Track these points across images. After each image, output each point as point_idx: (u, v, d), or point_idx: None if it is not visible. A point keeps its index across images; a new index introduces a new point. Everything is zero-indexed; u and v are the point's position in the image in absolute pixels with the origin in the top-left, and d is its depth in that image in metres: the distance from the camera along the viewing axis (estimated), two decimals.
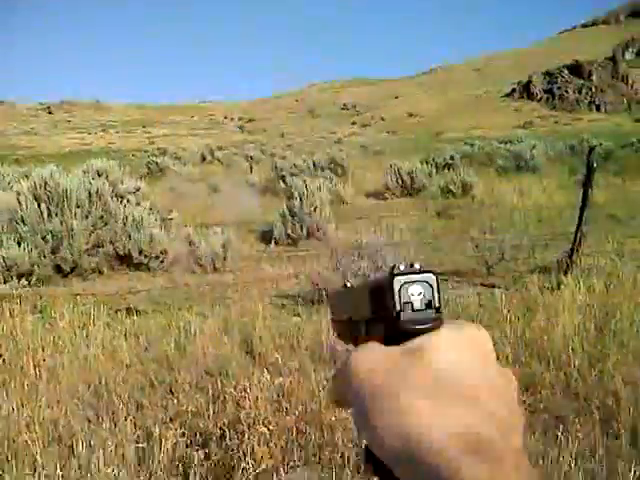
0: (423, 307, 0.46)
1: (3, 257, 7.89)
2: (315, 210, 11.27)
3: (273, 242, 10.84)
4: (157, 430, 3.45)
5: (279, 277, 7.99)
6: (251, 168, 26.14)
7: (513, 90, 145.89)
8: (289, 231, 10.97)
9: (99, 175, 13.42)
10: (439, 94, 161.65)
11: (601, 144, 20.76)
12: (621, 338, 4.88)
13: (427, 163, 20.37)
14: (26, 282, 7.57)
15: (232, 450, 3.32)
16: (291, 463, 3.29)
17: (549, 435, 3.52)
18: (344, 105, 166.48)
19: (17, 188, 9.44)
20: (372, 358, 0.46)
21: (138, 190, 14.84)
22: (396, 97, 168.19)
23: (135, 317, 6.08)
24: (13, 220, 8.81)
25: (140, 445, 3.41)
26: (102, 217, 9.42)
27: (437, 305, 0.47)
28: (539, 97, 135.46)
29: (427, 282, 0.47)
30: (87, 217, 9.16)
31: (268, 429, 3.38)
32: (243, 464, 3.16)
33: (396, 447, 0.42)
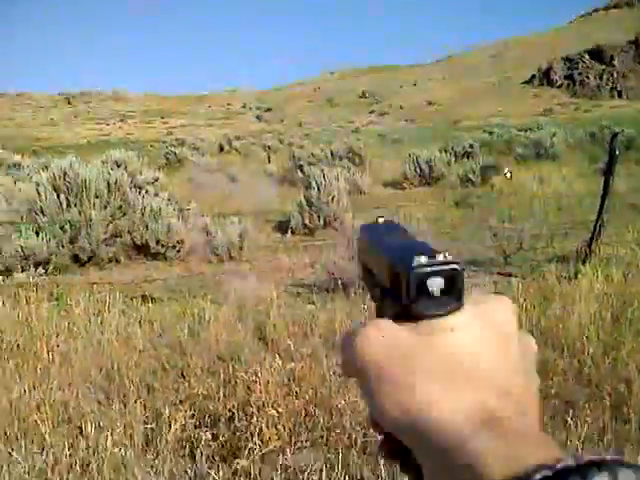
0: (442, 294, 0.44)
1: (21, 247, 7.97)
2: (332, 200, 11.26)
3: (290, 232, 10.85)
4: (166, 411, 3.49)
5: (295, 266, 8.00)
6: (269, 158, 26.16)
7: (533, 77, 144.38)
8: (306, 221, 10.97)
9: (118, 166, 13.51)
10: (456, 81, 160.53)
11: (623, 131, 20.49)
12: (637, 327, 4.83)
13: (446, 152, 20.23)
14: (43, 271, 7.64)
15: (240, 431, 3.35)
16: (298, 444, 3.31)
17: (557, 419, 3.52)
18: (362, 93, 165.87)
19: (36, 179, 9.52)
20: (381, 335, 0.45)
21: (156, 181, 14.93)
22: (414, 84, 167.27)
23: (150, 304, 6.12)
24: (32, 211, 8.89)
25: (149, 426, 3.45)
26: (120, 207, 9.48)
27: (459, 295, 0.45)
28: (559, 83, 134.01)
29: (449, 274, 0.45)
30: (105, 207, 9.23)
31: (277, 412, 3.41)
32: (250, 444, 3.18)
33: (406, 427, 0.41)
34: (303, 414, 3.52)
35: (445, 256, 0.45)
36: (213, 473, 2.98)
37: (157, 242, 8.95)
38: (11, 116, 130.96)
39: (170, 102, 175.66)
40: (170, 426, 3.35)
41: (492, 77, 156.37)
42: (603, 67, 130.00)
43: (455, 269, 0.45)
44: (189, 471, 3.09)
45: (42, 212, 8.81)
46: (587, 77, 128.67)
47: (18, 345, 4.78)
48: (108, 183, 9.51)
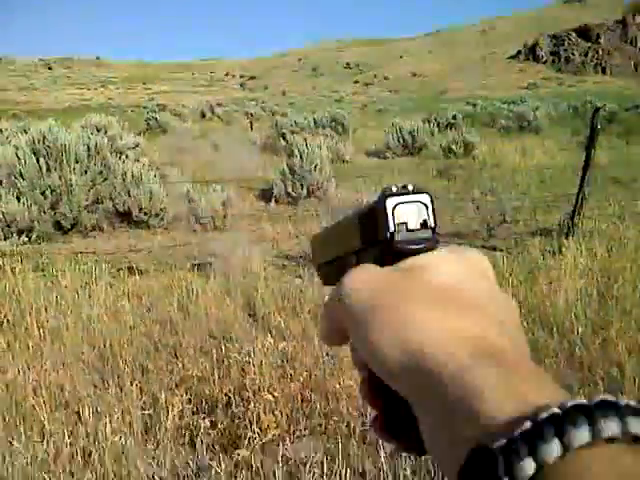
0: (418, 227, 0.45)
1: (3, 212, 7.86)
2: (315, 168, 11.19)
3: (273, 200, 10.78)
4: (163, 396, 3.47)
5: (279, 237, 7.96)
6: (251, 125, 25.97)
7: (519, 52, 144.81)
8: (289, 189, 10.90)
9: (98, 130, 13.33)
10: (444, 54, 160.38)
11: (605, 105, 20.64)
12: (624, 305, 4.87)
13: (429, 122, 20.22)
14: (26, 239, 7.55)
15: (238, 418, 3.33)
16: (297, 432, 3.30)
17: None
18: (347, 64, 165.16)
19: (15, 142, 9.37)
20: (366, 276, 0.44)
21: (137, 146, 14.76)
22: (400, 57, 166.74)
23: (137, 277, 6.06)
24: (12, 175, 8.74)
25: (146, 412, 3.43)
26: (101, 172, 9.36)
27: (432, 225, 0.45)
28: (544, 59, 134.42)
29: (421, 202, 0.45)
30: (86, 172, 9.09)
31: (273, 396, 3.40)
32: (249, 433, 3.17)
33: (400, 360, 0.39)
34: (299, 399, 3.51)
35: (414, 186, 0.46)
36: (215, 465, 2.96)
37: (140, 210, 8.85)
38: None
39: (153, 69, 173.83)
40: (168, 412, 3.33)
41: (479, 51, 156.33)
42: (589, 44, 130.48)
43: (426, 196, 0.46)
44: (190, 463, 3.07)
45: (22, 176, 8.67)
46: (572, 54, 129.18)
47: (8, 320, 4.74)
48: (88, 147, 9.37)
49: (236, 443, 3.18)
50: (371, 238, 0.46)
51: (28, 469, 2.91)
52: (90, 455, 3.03)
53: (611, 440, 0.29)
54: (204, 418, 3.34)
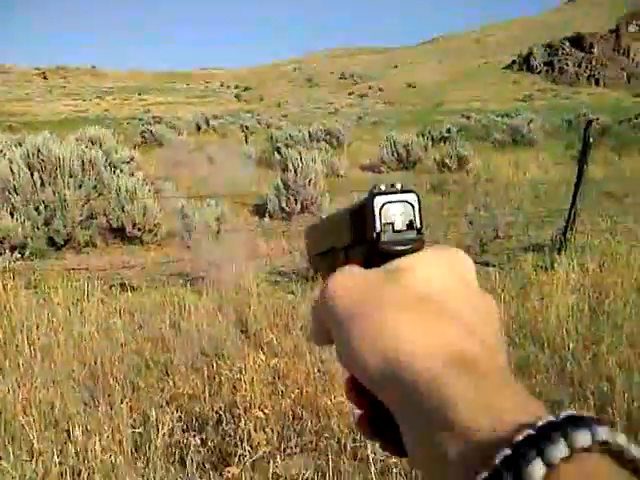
0: (404, 228, 0.46)
1: None
2: (310, 183, 11.20)
3: (268, 216, 10.79)
4: (153, 414, 3.46)
5: (273, 252, 7.96)
6: (246, 138, 25.99)
7: (513, 62, 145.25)
8: (283, 204, 10.91)
9: (93, 143, 13.33)
10: (439, 64, 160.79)
11: (598, 119, 20.71)
12: (615, 320, 4.90)
13: (423, 136, 20.25)
14: (19, 255, 7.53)
15: (229, 436, 3.33)
16: (288, 450, 3.30)
17: None
18: (342, 74, 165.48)
19: (10, 156, 9.37)
20: (349, 279, 0.45)
21: (132, 160, 14.76)
22: (395, 66, 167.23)
23: (129, 293, 6.07)
24: (5, 190, 8.74)
25: (137, 430, 3.42)
26: (95, 187, 9.37)
27: (419, 226, 0.46)
28: (539, 70, 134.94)
29: (408, 202, 0.46)
30: (80, 187, 9.10)
31: (264, 413, 3.40)
32: (240, 450, 3.17)
33: (379, 368, 0.40)
34: (291, 416, 3.52)
35: (402, 185, 0.47)
36: None
37: (133, 225, 8.85)
38: None
39: (148, 79, 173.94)
40: (158, 430, 3.32)
41: (474, 61, 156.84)
42: (582, 55, 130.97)
43: (413, 196, 0.46)
44: None
45: (15, 191, 8.68)
46: (566, 64, 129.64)
47: None
48: (82, 162, 9.37)
49: (226, 461, 3.18)
50: (359, 236, 0.47)
51: None
52: (79, 474, 3.03)
53: (586, 450, 0.30)
54: (194, 436, 3.34)
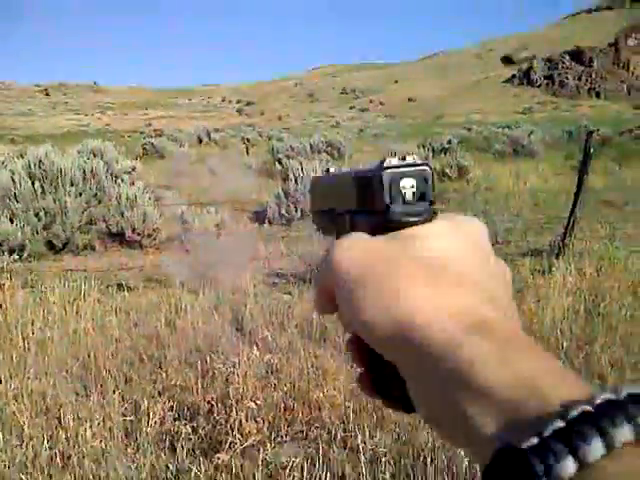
0: (415, 200, 0.45)
1: None
2: None
3: (267, 222, 10.81)
4: (145, 403, 3.47)
5: (272, 256, 7.97)
6: (247, 150, 26.05)
7: (513, 76, 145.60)
8: (283, 211, 10.93)
9: (94, 155, 13.37)
10: (439, 79, 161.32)
11: (598, 130, 20.72)
12: (609, 321, 4.91)
13: (424, 147, 20.30)
14: (17, 257, 7.55)
15: (220, 424, 3.33)
16: (278, 439, 3.30)
17: None
18: (343, 89, 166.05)
19: (12, 167, 9.42)
20: (357, 245, 0.44)
21: (133, 170, 14.79)
22: (395, 81, 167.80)
23: (126, 293, 6.08)
24: (6, 197, 8.78)
25: (128, 418, 3.43)
26: (96, 195, 9.40)
27: (430, 198, 0.45)
28: (539, 83, 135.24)
29: (420, 174, 0.45)
30: (81, 195, 9.14)
31: (256, 404, 3.40)
32: (230, 438, 3.17)
33: (388, 331, 0.40)
34: (282, 407, 3.52)
35: (414, 158, 0.45)
36: (194, 468, 2.96)
37: (133, 230, 8.87)
38: None
39: (150, 95, 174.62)
40: (149, 418, 3.33)
41: (475, 76, 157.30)
42: (582, 68, 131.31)
43: (425, 169, 0.45)
44: (170, 466, 3.06)
45: (16, 199, 8.71)
46: (566, 78, 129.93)
47: None
48: (84, 171, 9.42)
49: (217, 448, 3.18)
50: (367, 205, 0.47)
51: (6, 471, 2.92)
52: (69, 458, 3.03)
53: None
54: (185, 424, 3.35)
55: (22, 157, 10.06)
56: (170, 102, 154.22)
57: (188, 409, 3.58)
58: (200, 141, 35.94)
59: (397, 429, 3.30)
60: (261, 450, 3.13)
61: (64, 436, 3.16)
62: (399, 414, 3.44)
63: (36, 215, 8.52)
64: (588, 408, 0.30)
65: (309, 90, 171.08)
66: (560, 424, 0.30)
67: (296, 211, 10.92)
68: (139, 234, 8.87)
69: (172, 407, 3.56)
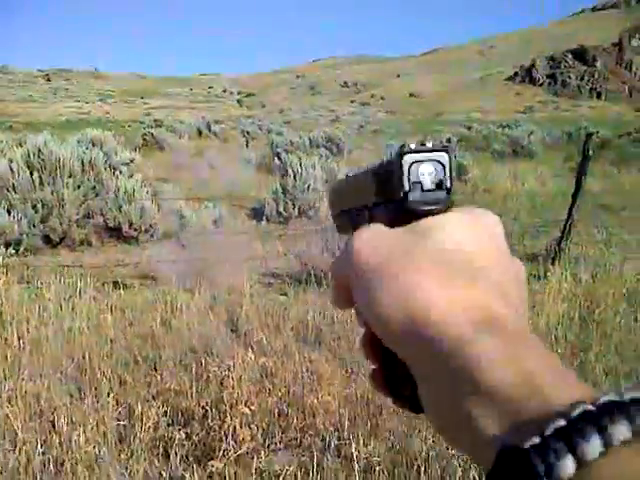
0: (433, 187, 0.44)
1: None
2: (308, 188, 11.21)
3: (265, 219, 10.79)
4: (139, 407, 3.47)
5: (268, 255, 7.97)
6: (247, 144, 26.01)
7: (515, 74, 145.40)
8: (281, 209, 10.91)
9: (93, 145, 13.33)
10: (441, 75, 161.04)
11: (598, 132, 20.70)
12: (604, 328, 4.92)
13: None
14: (14, 251, 7.53)
15: (214, 431, 3.34)
16: (272, 446, 3.31)
17: None
18: (344, 83, 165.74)
19: (10, 155, 9.39)
20: (376, 236, 0.45)
21: (132, 161, 14.75)
22: (398, 76, 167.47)
23: (122, 291, 6.07)
24: (4, 187, 8.75)
25: (122, 423, 3.43)
26: (94, 187, 9.38)
27: (448, 186, 0.45)
28: (541, 82, 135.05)
29: (439, 161, 0.45)
30: (79, 187, 9.11)
31: (250, 410, 3.40)
32: (224, 445, 3.18)
33: (402, 325, 0.40)
34: (276, 413, 3.53)
35: (433, 143, 0.45)
36: (188, 475, 2.97)
37: (130, 225, 8.86)
38: None
39: (151, 82, 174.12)
40: (143, 423, 3.33)
41: (477, 72, 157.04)
42: (585, 68, 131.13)
43: (444, 155, 0.45)
44: (163, 473, 3.07)
45: (14, 189, 8.69)
46: (569, 77, 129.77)
47: None
48: (82, 162, 9.39)
49: (210, 455, 3.18)
50: (385, 195, 0.46)
51: None
52: (63, 464, 3.03)
53: None
54: (179, 430, 3.35)
55: (21, 146, 10.03)
56: (171, 91, 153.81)
57: (182, 414, 3.58)
58: (200, 133, 35.84)
59: (391, 437, 3.31)
60: (255, 458, 3.13)
61: (58, 441, 3.16)
62: (393, 422, 3.48)
63: (33, 207, 8.50)
64: (590, 407, 0.30)
65: (310, 83, 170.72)
66: (562, 423, 0.30)
67: (294, 208, 10.90)
68: (136, 229, 8.85)
69: (166, 412, 3.56)
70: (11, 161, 9.07)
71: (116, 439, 3.30)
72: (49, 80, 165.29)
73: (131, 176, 10.65)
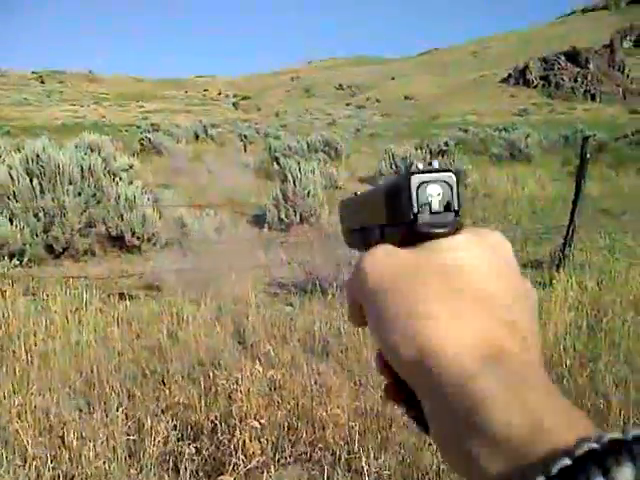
0: (442, 209, 0.44)
1: None
2: (308, 194, 11.19)
3: (267, 227, 10.76)
4: (149, 422, 3.45)
5: (272, 263, 7.95)
6: (245, 148, 26.00)
7: (509, 75, 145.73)
8: (282, 215, 10.88)
9: (91, 150, 13.30)
10: (436, 76, 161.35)
11: (595, 135, 20.78)
12: (612, 337, 4.91)
13: (421, 149, 20.27)
14: (18, 262, 7.50)
15: (223, 445, 3.32)
16: (282, 460, 3.30)
17: None
18: (340, 85, 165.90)
19: (9, 162, 9.34)
20: (385, 259, 0.45)
21: (131, 167, 14.73)
22: (392, 78, 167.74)
23: (127, 302, 6.05)
24: (5, 196, 8.71)
25: (131, 437, 3.41)
26: (95, 195, 9.34)
27: (456, 208, 0.45)
28: (535, 84, 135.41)
29: (446, 182, 0.45)
30: (79, 194, 9.07)
31: (259, 423, 3.38)
32: (234, 459, 3.16)
33: (410, 355, 0.40)
34: (286, 427, 3.52)
35: (439, 164, 0.45)
36: None
37: (132, 234, 8.81)
38: None
39: (146, 85, 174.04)
40: (153, 438, 3.32)
41: (471, 74, 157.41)
42: (578, 70, 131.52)
43: (451, 176, 0.45)
44: None
45: (15, 198, 8.65)
46: (562, 79, 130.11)
47: None
48: (82, 168, 9.35)
49: (220, 470, 3.17)
50: (395, 217, 0.46)
51: None
52: (73, 479, 3.03)
53: None
54: (189, 444, 3.34)
55: (19, 151, 9.98)
56: (166, 94, 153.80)
57: (191, 428, 3.57)
58: (197, 137, 35.81)
59: (402, 450, 3.30)
60: (265, 472, 3.12)
61: (67, 456, 3.15)
62: (403, 435, 3.46)
63: (35, 216, 8.46)
64: (595, 446, 0.30)
65: (305, 85, 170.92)
66: (567, 462, 0.30)
67: (295, 215, 10.88)
68: (138, 238, 8.81)
69: (175, 426, 3.55)
70: (10, 168, 9.03)
71: (126, 454, 3.28)
72: (43, 82, 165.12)
73: (131, 182, 10.61)
